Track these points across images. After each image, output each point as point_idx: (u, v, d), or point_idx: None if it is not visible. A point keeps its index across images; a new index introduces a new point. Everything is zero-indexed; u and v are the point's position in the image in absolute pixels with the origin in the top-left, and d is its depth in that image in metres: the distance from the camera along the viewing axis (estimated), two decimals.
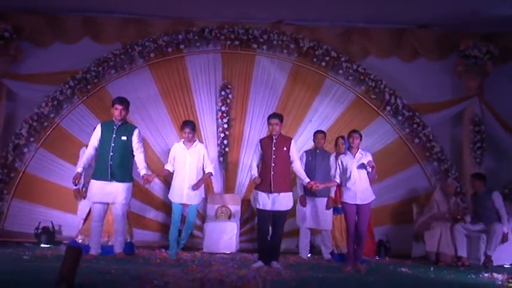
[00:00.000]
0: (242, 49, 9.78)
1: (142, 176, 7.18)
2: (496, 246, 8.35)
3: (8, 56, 9.78)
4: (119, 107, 7.15)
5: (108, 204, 7.25)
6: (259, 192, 7.11)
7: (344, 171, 7.30)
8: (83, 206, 8.05)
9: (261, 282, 5.60)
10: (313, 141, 8.53)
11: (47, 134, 9.54)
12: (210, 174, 8.00)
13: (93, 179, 7.18)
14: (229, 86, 9.72)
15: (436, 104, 9.89)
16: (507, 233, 8.47)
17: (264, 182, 7.07)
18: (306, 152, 8.62)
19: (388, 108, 9.66)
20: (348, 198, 7.25)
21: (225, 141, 9.65)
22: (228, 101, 9.69)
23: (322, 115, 9.68)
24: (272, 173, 7.04)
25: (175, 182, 7.93)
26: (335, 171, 7.40)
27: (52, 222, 9.23)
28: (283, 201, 7.10)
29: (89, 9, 9.76)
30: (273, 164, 7.05)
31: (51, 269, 5.52)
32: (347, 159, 7.32)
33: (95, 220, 7.21)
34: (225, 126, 9.69)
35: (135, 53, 9.69)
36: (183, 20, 9.87)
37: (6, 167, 9.38)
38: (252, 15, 9.69)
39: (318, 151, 8.33)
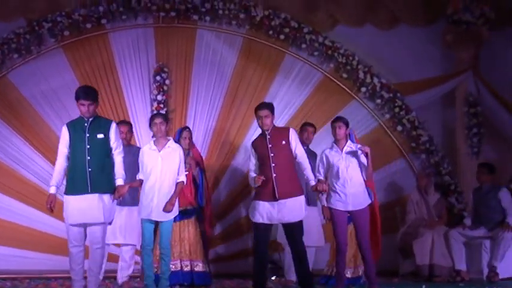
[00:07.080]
0: (180, 22, 7.96)
1: (117, 186, 5.69)
2: (503, 255, 6.91)
3: None
4: (85, 102, 5.61)
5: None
6: (260, 202, 5.69)
7: (330, 169, 5.78)
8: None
9: None
10: (300, 136, 6.63)
11: None
12: (182, 183, 6.20)
13: (68, 194, 5.58)
14: (166, 70, 7.86)
15: (422, 81, 8.14)
16: None
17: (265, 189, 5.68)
18: None
19: (364, 89, 7.99)
20: (336, 203, 5.75)
21: None
22: (165, 88, 7.84)
23: (283, 101, 7.86)
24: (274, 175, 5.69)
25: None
26: (317, 167, 5.84)
27: None
28: (293, 209, 5.72)
29: None
30: (273, 165, 5.69)
31: None
32: (333, 155, 5.81)
33: (75, 245, 5.55)
34: None
35: (44, 31, 7.77)
36: None
37: None
38: None
39: (305, 148, 6.27)
